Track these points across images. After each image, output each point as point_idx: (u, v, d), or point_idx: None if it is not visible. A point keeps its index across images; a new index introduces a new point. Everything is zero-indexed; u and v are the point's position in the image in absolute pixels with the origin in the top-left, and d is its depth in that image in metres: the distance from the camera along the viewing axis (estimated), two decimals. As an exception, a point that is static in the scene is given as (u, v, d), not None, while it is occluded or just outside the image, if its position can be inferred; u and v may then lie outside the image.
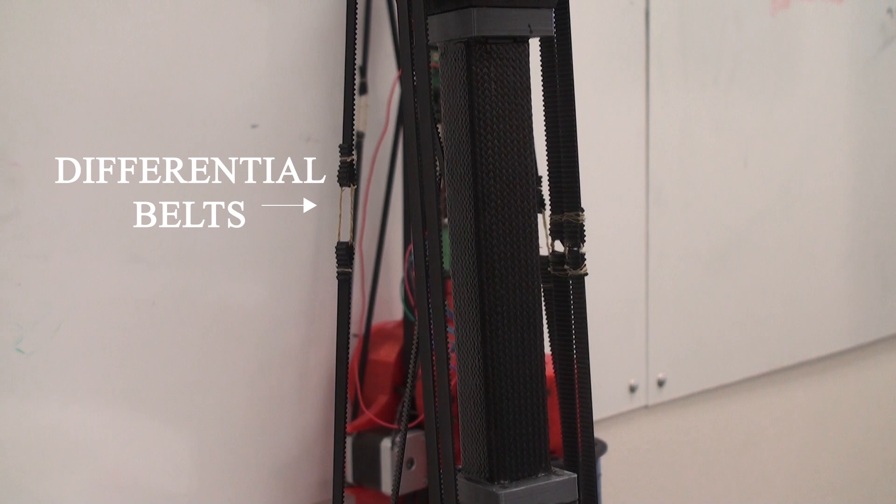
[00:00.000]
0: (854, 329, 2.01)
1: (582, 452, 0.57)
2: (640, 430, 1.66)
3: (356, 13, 0.50)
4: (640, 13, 1.60)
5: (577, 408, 0.57)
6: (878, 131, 2.03)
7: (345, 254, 0.51)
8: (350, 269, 0.51)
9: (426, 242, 0.47)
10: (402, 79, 0.47)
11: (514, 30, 0.51)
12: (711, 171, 1.72)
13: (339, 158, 0.50)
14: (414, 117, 0.46)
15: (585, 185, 0.61)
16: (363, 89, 1.25)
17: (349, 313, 0.50)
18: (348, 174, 0.50)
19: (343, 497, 0.51)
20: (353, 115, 0.48)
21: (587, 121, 1.54)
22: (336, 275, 0.50)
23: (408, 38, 0.46)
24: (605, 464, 1.27)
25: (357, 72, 1.24)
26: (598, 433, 1.34)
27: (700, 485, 1.79)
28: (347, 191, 0.50)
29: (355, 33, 0.50)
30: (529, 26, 0.51)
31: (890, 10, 2.00)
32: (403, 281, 1.25)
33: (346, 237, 0.50)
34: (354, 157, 0.49)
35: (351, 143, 0.50)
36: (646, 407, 1.66)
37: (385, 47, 1.27)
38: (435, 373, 0.47)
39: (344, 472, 0.52)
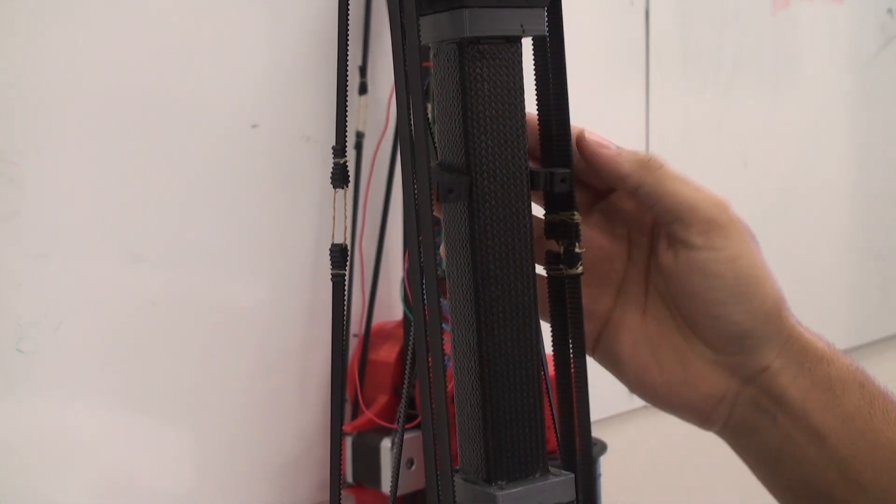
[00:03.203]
0: (854, 329, 2.01)
1: (580, 452, 0.57)
2: (640, 430, 1.66)
3: (348, 13, 0.50)
4: (640, 13, 1.60)
5: (575, 407, 0.57)
6: (877, 131, 2.02)
7: (339, 256, 0.51)
8: (344, 272, 0.51)
9: (420, 245, 0.47)
10: (395, 81, 0.47)
11: (506, 30, 0.51)
12: (711, 171, 1.72)
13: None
14: (408, 119, 0.46)
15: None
16: (363, 89, 1.25)
17: (343, 316, 0.50)
18: (341, 176, 0.50)
19: (340, 498, 0.51)
20: (346, 116, 0.48)
21: (587, 121, 1.54)
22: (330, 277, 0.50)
23: (399, 39, 0.46)
24: (605, 464, 1.27)
25: (357, 72, 1.25)
26: (599, 433, 1.34)
27: (700, 485, 1.79)
28: (341, 192, 0.50)
29: (347, 33, 0.50)
30: (522, 26, 0.51)
31: (890, 10, 2.00)
32: (403, 281, 1.25)
33: (339, 239, 0.50)
34: (347, 158, 0.49)
35: (344, 144, 0.50)
36: (646, 407, 1.66)
37: (385, 47, 1.27)
38: (431, 375, 0.47)
39: (341, 475, 0.52)
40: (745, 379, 0.57)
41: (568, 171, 0.55)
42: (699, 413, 0.59)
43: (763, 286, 0.56)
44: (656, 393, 0.59)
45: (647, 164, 0.55)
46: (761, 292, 0.56)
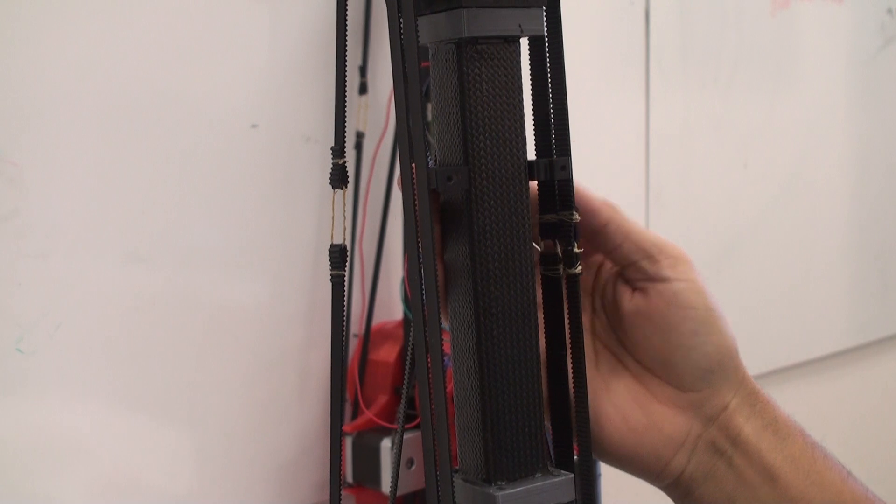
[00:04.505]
0: (854, 329, 2.01)
1: (580, 452, 0.57)
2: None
3: (346, 12, 0.50)
4: (640, 13, 1.60)
5: (573, 408, 0.57)
6: (877, 131, 2.02)
7: (338, 256, 0.51)
8: (343, 272, 0.51)
9: (419, 245, 0.47)
10: (393, 81, 0.47)
11: (504, 30, 0.51)
12: (711, 171, 1.72)
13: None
14: (406, 120, 0.46)
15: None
16: (363, 89, 1.25)
17: (342, 317, 0.50)
18: (340, 176, 0.50)
19: (340, 498, 0.51)
20: (345, 116, 0.48)
21: (587, 121, 1.55)
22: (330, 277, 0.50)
23: (398, 39, 0.46)
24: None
25: (357, 72, 1.25)
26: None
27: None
28: (340, 193, 0.50)
29: (346, 33, 0.50)
30: (520, 26, 0.51)
31: (890, 10, 2.00)
32: (403, 281, 1.25)
33: (339, 240, 0.50)
34: (346, 159, 0.49)
35: (343, 145, 0.50)
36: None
37: (385, 47, 1.28)
38: (430, 376, 0.47)
39: (341, 475, 0.52)
40: (707, 418, 0.59)
41: (567, 157, 0.55)
42: (659, 459, 0.59)
43: (725, 321, 0.59)
44: (619, 442, 0.59)
45: (612, 204, 0.58)
46: (725, 326, 0.59)
